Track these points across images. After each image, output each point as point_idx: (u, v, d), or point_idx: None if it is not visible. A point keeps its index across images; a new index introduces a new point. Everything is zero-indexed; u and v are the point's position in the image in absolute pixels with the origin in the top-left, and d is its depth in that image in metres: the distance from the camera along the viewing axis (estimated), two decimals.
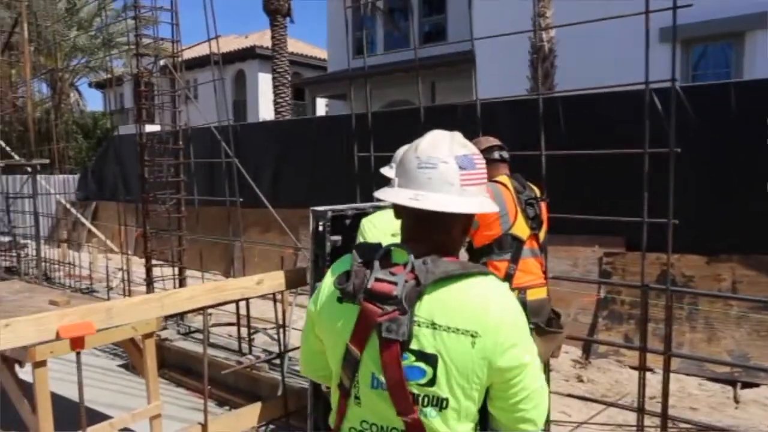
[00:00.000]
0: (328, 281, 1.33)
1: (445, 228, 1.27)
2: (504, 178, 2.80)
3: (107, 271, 6.59)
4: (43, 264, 7.53)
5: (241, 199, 4.88)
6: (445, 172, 1.23)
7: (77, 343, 1.95)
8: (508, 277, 2.67)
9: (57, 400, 3.33)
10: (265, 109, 19.79)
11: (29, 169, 7.15)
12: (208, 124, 5.18)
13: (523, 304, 2.62)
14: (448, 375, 1.20)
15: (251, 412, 3.09)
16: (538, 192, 2.93)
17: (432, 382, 1.20)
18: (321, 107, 20.46)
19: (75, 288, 7.04)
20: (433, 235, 1.26)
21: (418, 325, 1.20)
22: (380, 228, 2.51)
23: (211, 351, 4.79)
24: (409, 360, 1.20)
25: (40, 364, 3.09)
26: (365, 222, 2.66)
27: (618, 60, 6.47)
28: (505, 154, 2.88)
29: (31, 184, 7.12)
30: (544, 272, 2.98)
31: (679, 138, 4.92)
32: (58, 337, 2.01)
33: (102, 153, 12.94)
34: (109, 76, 14.64)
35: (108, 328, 3.18)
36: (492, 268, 2.39)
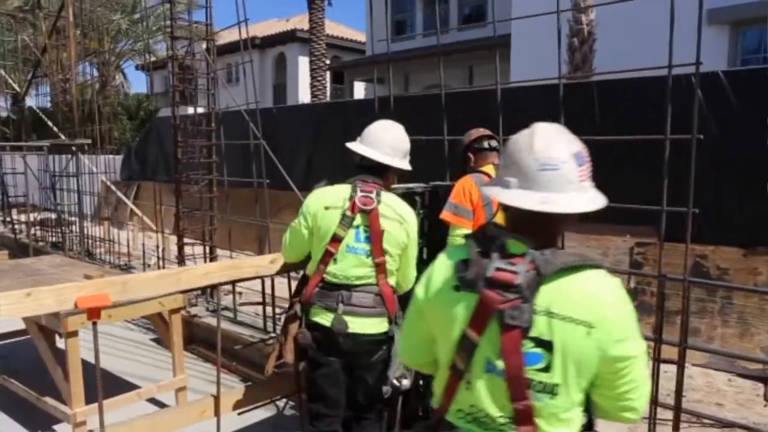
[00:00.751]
0: (441, 270, 1.38)
1: (556, 222, 1.30)
2: (489, 168, 2.88)
3: (143, 248, 6.83)
4: (86, 240, 7.85)
5: (267, 181, 4.96)
6: (567, 173, 1.26)
7: (93, 314, 2.06)
8: None
9: (91, 368, 3.52)
10: (304, 92, 19.93)
11: (74, 149, 7.44)
12: (238, 107, 5.27)
13: None
14: (563, 362, 1.25)
15: (264, 387, 3.19)
16: None
17: (547, 368, 1.25)
18: (360, 91, 20.48)
19: (114, 264, 7.33)
20: (543, 229, 1.29)
21: (536, 313, 1.24)
22: (316, 200, 2.55)
23: (238, 329, 4.94)
24: (528, 346, 1.25)
25: (71, 334, 3.27)
26: (311, 195, 2.64)
27: (661, 44, 6.22)
28: (494, 143, 2.96)
29: (75, 163, 7.42)
30: None
31: (720, 125, 4.78)
32: (75, 308, 2.12)
33: (144, 134, 13.33)
34: (152, 59, 15.00)
35: (135, 301, 3.33)
36: None
